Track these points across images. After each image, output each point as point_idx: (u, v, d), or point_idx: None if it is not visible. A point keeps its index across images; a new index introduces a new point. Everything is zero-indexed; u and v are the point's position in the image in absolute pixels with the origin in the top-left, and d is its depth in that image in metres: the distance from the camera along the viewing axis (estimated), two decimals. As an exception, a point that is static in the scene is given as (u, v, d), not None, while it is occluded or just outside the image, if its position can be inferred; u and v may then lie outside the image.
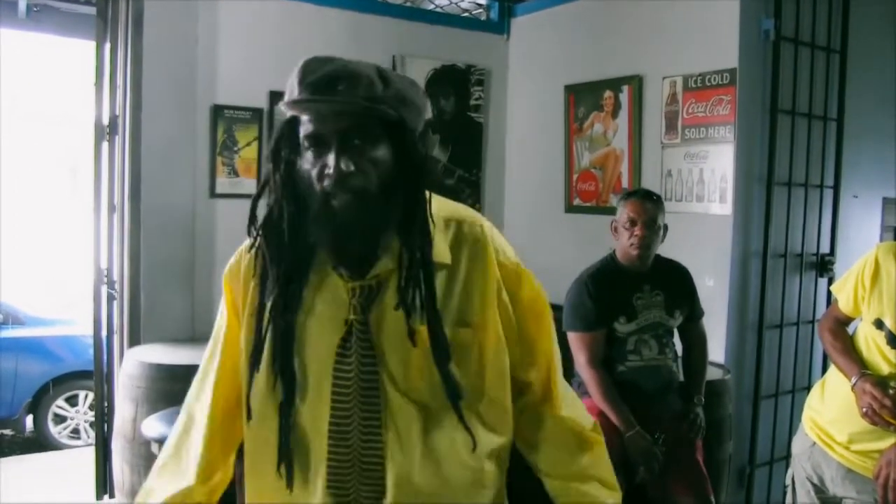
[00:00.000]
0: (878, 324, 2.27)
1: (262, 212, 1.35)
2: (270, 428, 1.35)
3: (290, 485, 1.34)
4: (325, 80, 1.24)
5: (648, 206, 2.90)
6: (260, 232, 1.34)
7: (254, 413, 1.38)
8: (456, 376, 1.33)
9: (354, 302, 1.33)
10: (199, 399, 1.51)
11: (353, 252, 1.31)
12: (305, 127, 1.27)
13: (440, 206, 1.39)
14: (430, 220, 1.33)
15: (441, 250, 1.35)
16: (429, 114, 1.38)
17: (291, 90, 1.26)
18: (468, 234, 1.39)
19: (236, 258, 1.47)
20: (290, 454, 1.34)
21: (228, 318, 1.52)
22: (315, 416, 1.34)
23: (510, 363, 1.43)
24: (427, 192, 1.34)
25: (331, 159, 1.24)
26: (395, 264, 1.32)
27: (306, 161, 1.29)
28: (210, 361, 1.54)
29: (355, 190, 1.25)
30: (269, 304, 1.34)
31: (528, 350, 1.47)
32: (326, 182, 1.25)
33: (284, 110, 1.29)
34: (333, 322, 1.34)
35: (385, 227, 1.30)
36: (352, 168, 1.24)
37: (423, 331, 1.30)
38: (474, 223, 1.41)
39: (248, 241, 1.40)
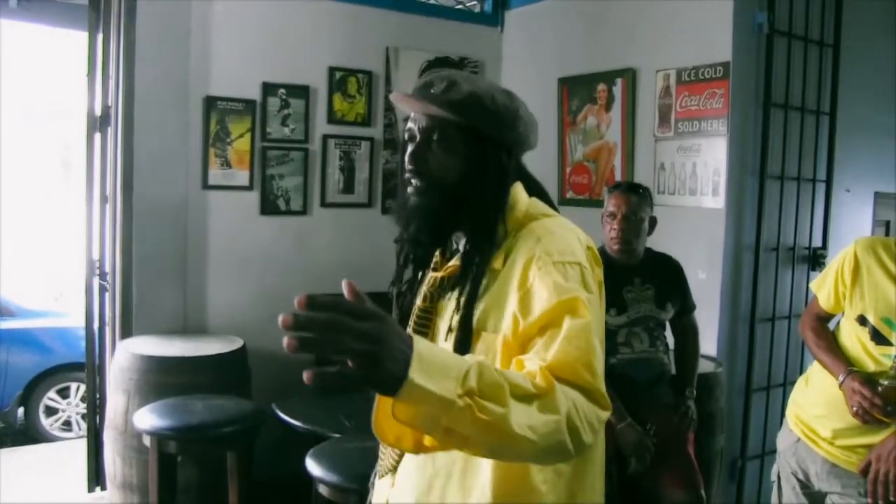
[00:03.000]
0: (862, 320, 2.27)
1: None
2: None
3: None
4: (425, 82, 1.42)
5: (630, 198, 2.88)
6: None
7: None
8: None
9: (427, 290, 1.46)
10: None
11: (417, 235, 1.42)
12: (408, 121, 1.45)
13: (528, 212, 1.45)
14: (498, 226, 1.40)
15: (497, 256, 1.39)
16: (527, 129, 1.45)
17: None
18: (524, 239, 1.38)
19: None
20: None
21: None
22: None
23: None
24: (510, 199, 1.43)
25: (409, 152, 1.41)
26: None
27: (403, 152, 1.46)
28: None
29: (424, 180, 1.40)
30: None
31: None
32: (407, 170, 1.42)
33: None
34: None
35: (452, 222, 1.42)
36: (424, 162, 1.39)
37: (456, 329, 1.38)
38: (533, 228, 1.39)
39: None
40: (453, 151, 1.39)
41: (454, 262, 1.43)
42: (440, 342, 1.40)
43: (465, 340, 1.34)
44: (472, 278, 1.37)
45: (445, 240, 1.46)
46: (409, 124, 1.43)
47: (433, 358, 1.00)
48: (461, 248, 1.44)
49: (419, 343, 0.99)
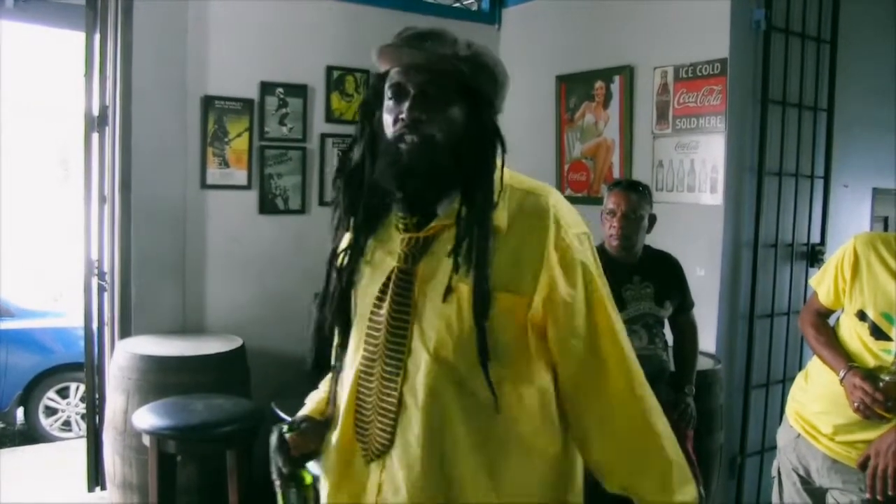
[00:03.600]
0: (861, 315, 2.27)
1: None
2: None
3: (333, 425, 1.48)
4: (416, 35, 1.38)
5: (630, 196, 2.89)
6: (338, 180, 1.48)
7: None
8: (488, 335, 1.33)
9: (404, 251, 1.40)
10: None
11: (413, 192, 1.37)
12: (391, 78, 1.39)
13: (513, 178, 1.44)
14: (495, 186, 1.37)
15: (499, 216, 1.37)
16: (506, 93, 1.48)
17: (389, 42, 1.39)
18: (531, 205, 1.39)
19: None
20: (335, 396, 1.50)
21: None
22: (352, 359, 1.45)
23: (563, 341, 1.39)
24: (499, 162, 1.40)
25: (405, 106, 1.35)
26: (452, 221, 1.37)
27: (386, 111, 1.40)
28: None
29: (423, 135, 1.35)
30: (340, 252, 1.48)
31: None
32: (398, 126, 1.36)
33: (375, 60, 1.41)
34: (382, 270, 1.43)
35: (448, 179, 1.37)
36: (423, 117, 1.34)
37: (462, 288, 1.33)
38: (540, 196, 1.41)
39: None
40: (453, 107, 1.37)
41: (441, 220, 1.38)
42: (431, 304, 1.36)
43: (483, 298, 1.31)
44: (480, 236, 1.32)
45: (440, 198, 1.40)
46: (398, 79, 1.38)
47: None
48: (441, 208, 1.39)
49: None
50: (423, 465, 1.34)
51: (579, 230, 1.42)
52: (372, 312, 1.42)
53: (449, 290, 1.34)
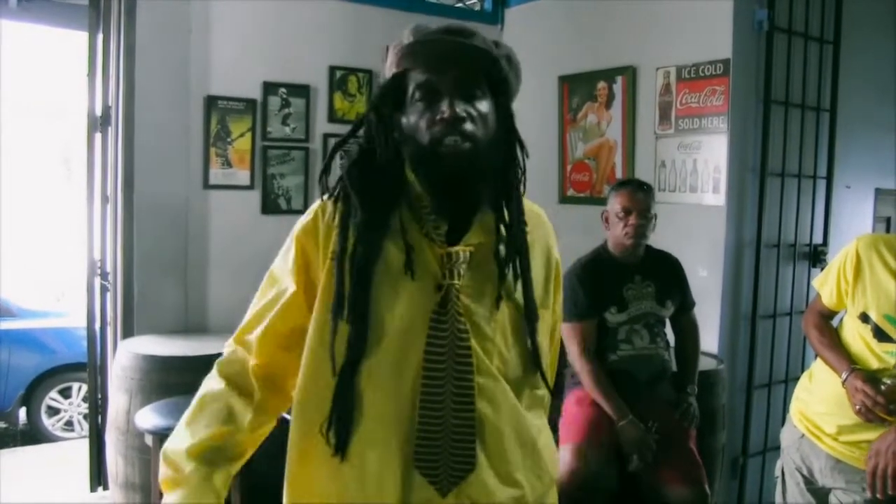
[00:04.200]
0: (864, 318, 2.27)
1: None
2: (327, 385, 1.29)
3: (340, 450, 1.28)
4: (443, 29, 1.30)
5: (643, 195, 2.92)
6: (347, 175, 1.32)
7: (310, 367, 1.33)
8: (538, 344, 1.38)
9: (449, 267, 1.30)
10: (233, 364, 1.44)
11: (458, 198, 1.28)
12: (417, 78, 1.29)
13: None
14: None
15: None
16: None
17: (404, 40, 1.31)
18: (541, 223, 1.44)
19: (312, 215, 1.39)
20: (348, 414, 1.28)
21: (296, 278, 1.39)
22: (398, 381, 1.28)
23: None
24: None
25: (445, 104, 1.24)
26: (488, 235, 1.33)
27: (414, 113, 1.29)
28: (255, 323, 1.44)
29: (468, 135, 1.24)
30: (349, 250, 1.30)
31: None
32: (438, 127, 1.24)
33: (397, 58, 1.31)
34: (423, 285, 1.30)
35: (487, 185, 1.30)
36: (465, 114, 1.24)
37: (515, 302, 1.34)
38: (542, 214, 1.46)
39: (323, 199, 1.38)
40: (488, 104, 1.29)
41: (476, 234, 1.32)
42: (483, 321, 1.32)
43: (533, 319, 1.35)
44: (521, 251, 1.32)
45: (476, 205, 1.31)
46: (429, 76, 1.27)
47: None
48: (477, 218, 1.32)
49: None
50: (520, 460, 1.36)
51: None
52: (431, 334, 1.28)
53: (499, 302, 1.32)
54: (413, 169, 1.30)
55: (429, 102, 1.27)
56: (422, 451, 1.26)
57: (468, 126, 1.24)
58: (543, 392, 1.43)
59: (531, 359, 1.37)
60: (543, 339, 1.41)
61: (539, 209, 1.45)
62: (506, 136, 1.32)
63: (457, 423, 1.27)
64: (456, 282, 1.29)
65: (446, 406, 1.27)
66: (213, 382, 1.43)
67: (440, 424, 1.27)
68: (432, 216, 1.30)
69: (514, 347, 1.35)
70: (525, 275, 1.33)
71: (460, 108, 1.24)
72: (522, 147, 1.35)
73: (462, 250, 1.31)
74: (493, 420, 1.31)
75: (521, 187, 1.35)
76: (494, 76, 1.30)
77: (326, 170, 1.37)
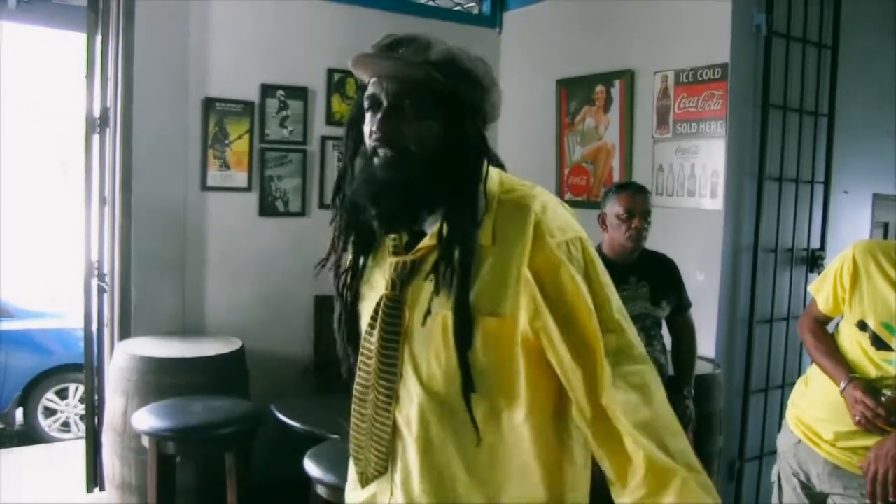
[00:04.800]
0: (862, 325, 2.26)
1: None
2: None
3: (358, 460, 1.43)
4: (389, 43, 1.31)
5: (643, 197, 2.94)
6: (335, 201, 1.42)
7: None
8: (474, 366, 1.26)
9: (392, 277, 1.34)
10: None
11: (389, 212, 1.29)
12: (367, 90, 1.31)
13: (504, 185, 1.34)
14: (480, 198, 1.29)
15: (485, 232, 1.27)
16: (499, 98, 1.39)
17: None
18: (513, 214, 1.28)
19: None
20: (346, 422, 1.45)
21: None
22: (353, 385, 1.43)
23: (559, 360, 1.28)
24: (485, 171, 1.31)
25: (377, 118, 1.27)
26: (437, 241, 1.29)
27: (365, 124, 1.32)
28: None
29: (397, 148, 1.26)
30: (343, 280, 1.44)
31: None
32: (372, 139, 1.29)
33: (353, 71, 1.34)
34: (376, 296, 1.38)
35: (427, 196, 1.29)
36: (395, 129, 1.26)
37: (446, 315, 1.26)
38: (521, 202, 1.29)
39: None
40: (430, 118, 1.26)
41: (426, 242, 1.30)
42: (416, 330, 1.30)
43: (465, 325, 1.24)
44: (462, 256, 1.24)
45: (419, 216, 1.31)
46: (372, 90, 1.28)
47: None
48: (429, 226, 1.31)
49: None
50: (423, 493, 1.31)
51: (569, 236, 1.28)
52: (364, 339, 1.38)
53: (427, 316, 1.27)
54: (355, 178, 1.36)
55: (373, 113, 1.30)
56: (355, 448, 1.42)
57: (398, 140, 1.26)
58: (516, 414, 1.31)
59: (462, 379, 1.26)
60: (497, 350, 1.27)
61: (537, 207, 1.28)
62: (460, 144, 1.29)
63: (375, 429, 1.36)
64: (390, 292, 1.34)
65: (369, 413, 1.38)
66: None
67: (364, 427, 1.39)
68: (375, 224, 1.34)
69: (450, 364, 1.28)
70: (459, 282, 1.24)
71: (390, 124, 1.26)
72: (485, 151, 1.33)
73: (402, 260, 1.33)
74: (408, 434, 1.33)
75: (481, 195, 1.29)
76: (440, 87, 1.27)
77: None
